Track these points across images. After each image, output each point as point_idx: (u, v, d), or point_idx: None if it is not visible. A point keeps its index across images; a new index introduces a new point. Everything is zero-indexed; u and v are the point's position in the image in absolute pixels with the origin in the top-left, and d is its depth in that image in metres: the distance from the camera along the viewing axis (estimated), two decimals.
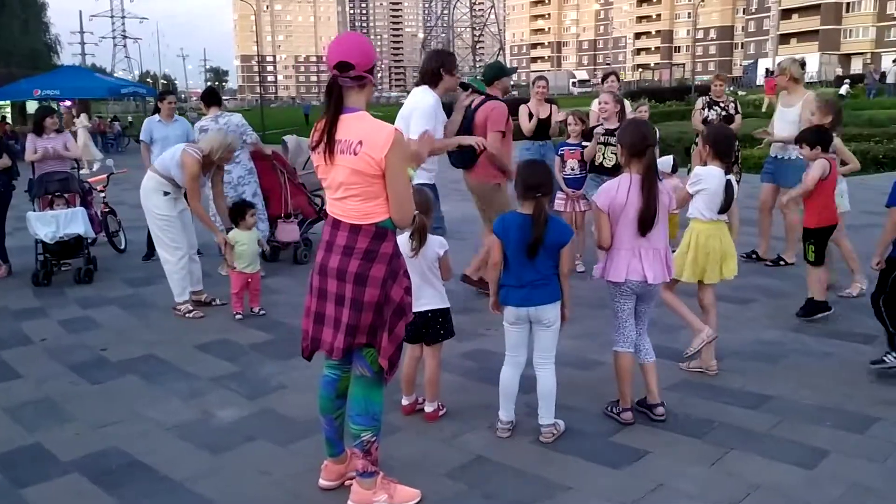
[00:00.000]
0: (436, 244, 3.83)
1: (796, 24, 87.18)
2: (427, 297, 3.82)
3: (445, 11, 58.30)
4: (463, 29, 67.70)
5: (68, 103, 25.75)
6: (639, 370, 3.85)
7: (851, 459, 3.35)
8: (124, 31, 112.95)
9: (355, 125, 2.92)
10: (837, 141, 5.93)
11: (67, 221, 7.30)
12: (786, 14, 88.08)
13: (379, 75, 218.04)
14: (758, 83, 62.14)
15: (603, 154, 6.72)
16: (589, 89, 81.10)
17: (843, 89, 30.86)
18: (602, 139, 6.68)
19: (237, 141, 6.19)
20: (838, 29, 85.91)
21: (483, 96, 6.04)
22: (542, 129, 8.09)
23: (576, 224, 7.03)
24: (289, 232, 7.53)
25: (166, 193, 5.99)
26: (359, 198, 2.94)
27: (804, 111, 6.92)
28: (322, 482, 3.32)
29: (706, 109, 9.19)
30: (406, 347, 3.70)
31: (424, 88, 5.36)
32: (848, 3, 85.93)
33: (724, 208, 4.32)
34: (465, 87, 5.77)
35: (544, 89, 8.61)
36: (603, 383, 4.30)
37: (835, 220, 5.26)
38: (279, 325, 5.78)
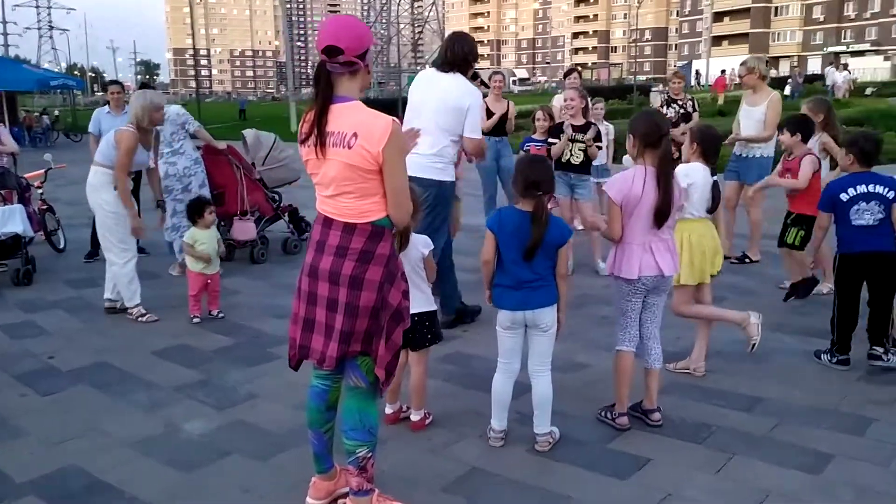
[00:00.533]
0: (420, 243, 3.63)
1: (727, 26, 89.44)
2: (413, 299, 3.60)
3: (385, 7, 57.96)
4: (404, 25, 67.44)
5: None
6: (638, 372, 3.73)
7: (856, 463, 3.28)
8: (50, 21, 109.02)
9: (349, 116, 2.69)
10: (828, 140, 5.94)
11: (4, 220, 6.82)
12: (718, 17, 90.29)
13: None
14: (691, 84, 63.59)
15: (570, 151, 6.60)
16: (530, 87, 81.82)
17: (787, 89, 31.65)
18: (571, 136, 6.56)
19: (159, 96, 5.84)
20: (767, 32, 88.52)
21: None
22: (499, 124, 7.97)
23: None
24: (245, 230, 7.21)
25: (116, 187, 5.61)
26: (353, 195, 2.72)
27: (770, 111, 6.95)
28: (310, 501, 3.08)
29: (664, 107, 9.19)
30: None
31: (459, 76, 4.97)
32: (776, 8, 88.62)
33: (713, 209, 4.24)
34: (474, 77, 5.55)
35: (501, 83, 8.48)
36: (591, 386, 4.17)
37: None
38: (241, 329, 5.48)
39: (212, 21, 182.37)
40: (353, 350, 2.78)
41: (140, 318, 5.67)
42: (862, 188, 4.32)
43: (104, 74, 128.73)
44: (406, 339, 3.59)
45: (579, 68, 9.22)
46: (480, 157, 5.30)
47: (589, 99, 7.77)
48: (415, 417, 3.76)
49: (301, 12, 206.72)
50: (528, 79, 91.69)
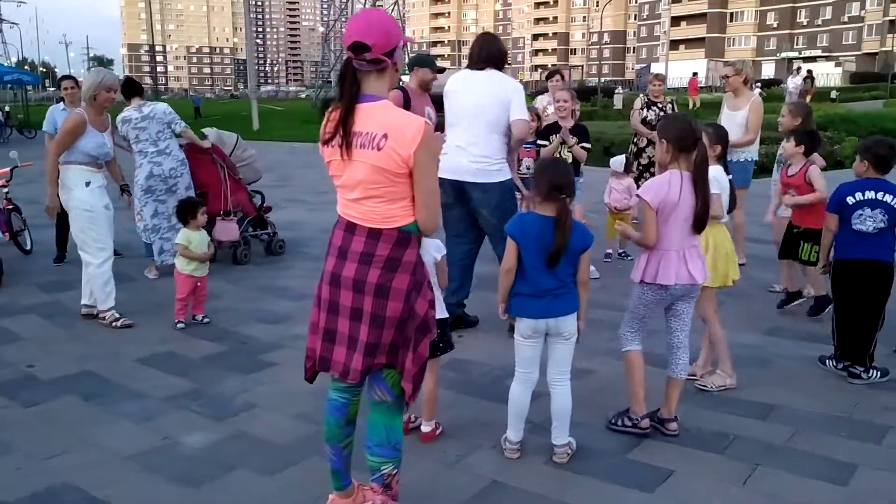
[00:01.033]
0: (432, 247, 3.50)
1: (684, 31, 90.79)
2: None
3: (346, 6, 57.29)
4: None
5: None
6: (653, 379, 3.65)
7: (881, 473, 3.24)
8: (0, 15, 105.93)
9: (378, 116, 2.55)
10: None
11: None
12: (675, 21, 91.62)
13: (275, 69, 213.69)
14: (646, 87, 64.40)
15: (560, 153, 6.52)
16: None
17: (756, 91, 32.19)
18: (571, 142, 6.46)
19: (114, 77, 5.54)
20: (723, 37, 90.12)
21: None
22: None
23: None
24: (228, 230, 6.99)
25: (88, 184, 5.35)
26: (380, 199, 2.58)
27: (752, 115, 6.96)
28: None
29: (645, 110, 9.20)
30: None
31: (497, 72, 5.06)
32: (732, 14, 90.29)
33: (730, 209, 4.21)
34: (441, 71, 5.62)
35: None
36: (600, 393, 4.09)
37: None
38: (228, 335, 5.29)
39: (168, 16, 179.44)
40: (378, 362, 2.65)
41: (114, 323, 5.42)
42: (870, 194, 4.28)
43: (56, 69, 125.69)
44: None
45: (562, 70, 9.15)
46: (524, 138, 5.35)
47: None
48: (426, 428, 3.63)
49: (259, 10, 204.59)
50: None
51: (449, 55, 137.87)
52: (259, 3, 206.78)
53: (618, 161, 7.47)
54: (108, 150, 5.53)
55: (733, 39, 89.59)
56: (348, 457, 2.92)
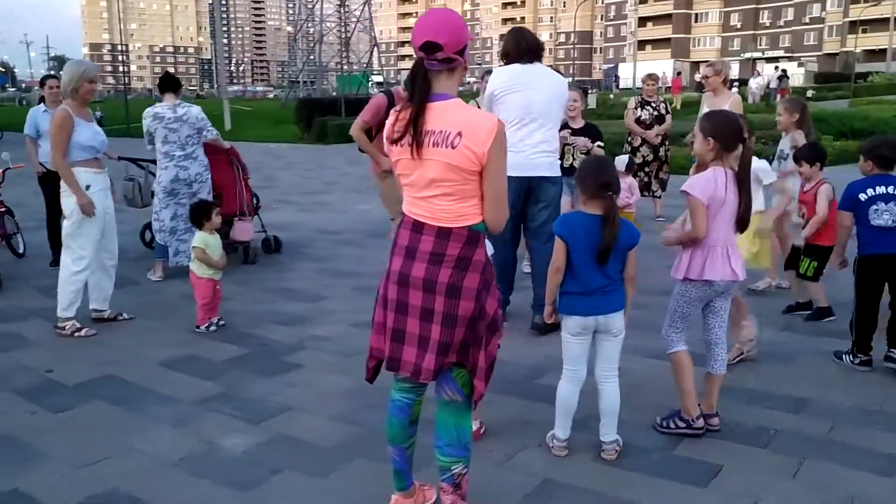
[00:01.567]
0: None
1: (650, 31, 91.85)
2: None
3: (314, 5, 57.07)
4: (334, 24, 66.75)
5: None
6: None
7: None
8: None
9: (451, 114, 2.55)
10: (799, 135, 6.04)
11: None
12: (641, 22, 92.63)
13: (241, 68, 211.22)
14: (612, 87, 65.20)
15: (572, 155, 6.56)
16: (462, 87, 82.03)
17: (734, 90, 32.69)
18: (570, 140, 6.51)
19: (96, 70, 5.39)
20: (688, 38, 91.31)
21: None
22: None
23: None
24: (246, 231, 6.96)
25: (88, 187, 5.21)
26: (452, 197, 2.58)
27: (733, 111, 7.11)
28: None
29: (639, 109, 9.31)
30: None
31: (543, 66, 5.27)
32: (696, 14, 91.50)
33: None
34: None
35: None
36: (635, 391, 4.11)
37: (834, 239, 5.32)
38: (247, 338, 5.24)
39: (130, 15, 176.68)
40: (449, 361, 2.65)
41: (76, 333, 5.26)
42: (881, 189, 4.39)
43: (15, 69, 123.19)
44: None
45: (560, 71, 9.20)
46: None
47: None
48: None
49: (224, 8, 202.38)
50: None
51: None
52: (224, 3, 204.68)
53: (621, 160, 7.53)
54: (104, 138, 5.42)
55: (698, 40, 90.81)
56: (411, 457, 2.92)
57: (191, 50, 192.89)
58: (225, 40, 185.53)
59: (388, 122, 2.67)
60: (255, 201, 7.64)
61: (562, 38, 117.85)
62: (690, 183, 3.50)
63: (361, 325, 5.48)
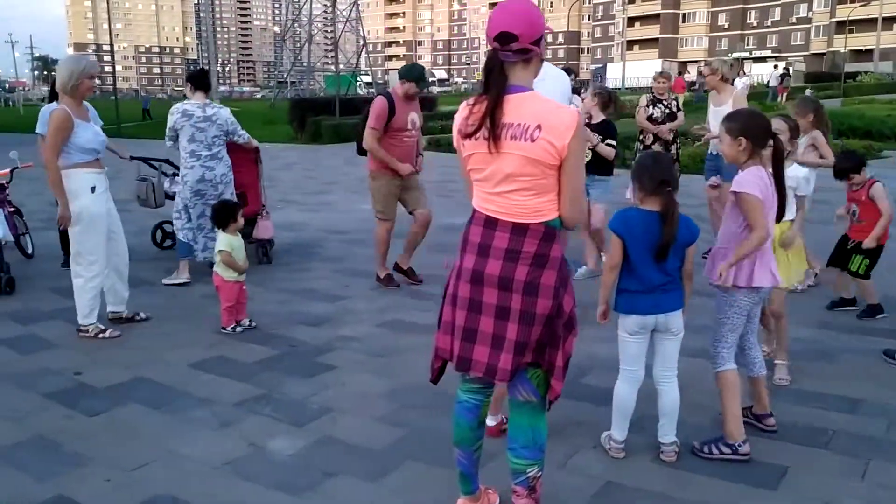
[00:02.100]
0: None
1: (638, 31, 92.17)
2: None
3: (297, 6, 57.03)
4: (322, 24, 66.66)
5: None
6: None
7: None
8: None
9: (529, 106, 2.48)
10: (818, 135, 6.01)
11: None
12: (629, 22, 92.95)
13: (227, 69, 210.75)
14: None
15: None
16: (448, 88, 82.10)
17: (745, 80, 32.55)
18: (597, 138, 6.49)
19: (95, 65, 5.23)
20: (676, 38, 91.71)
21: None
22: None
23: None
24: (268, 229, 6.88)
25: (93, 189, 5.07)
26: (530, 191, 2.51)
27: (736, 105, 7.13)
28: None
29: (650, 107, 9.27)
30: None
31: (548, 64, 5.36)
32: (684, 14, 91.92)
33: None
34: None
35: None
36: (682, 392, 4.05)
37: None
38: (273, 338, 5.16)
39: (115, 15, 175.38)
40: (524, 361, 2.59)
41: (100, 335, 5.16)
42: None
43: None
44: None
45: (573, 68, 9.17)
46: None
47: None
48: (490, 423, 3.54)
49: (209, 8, 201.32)
50: (447, 80, 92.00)
51: (404, 55, 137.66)
52: (210, 3, 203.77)
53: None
54: (104, 138, 5.29)
55: (686, 40, 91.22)
56: (478, 460, 2.86)
57: (176, 50, 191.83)
58: (209, 38, 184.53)
59: (461, 115, 2.60)
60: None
61: (549, 38, 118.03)
62: (743, 183, 3.32)
63: (387, 326, 5.42)
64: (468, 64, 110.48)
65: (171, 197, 7.13)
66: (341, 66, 47.79)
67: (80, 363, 4.69)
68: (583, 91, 8.94)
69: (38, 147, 7.22)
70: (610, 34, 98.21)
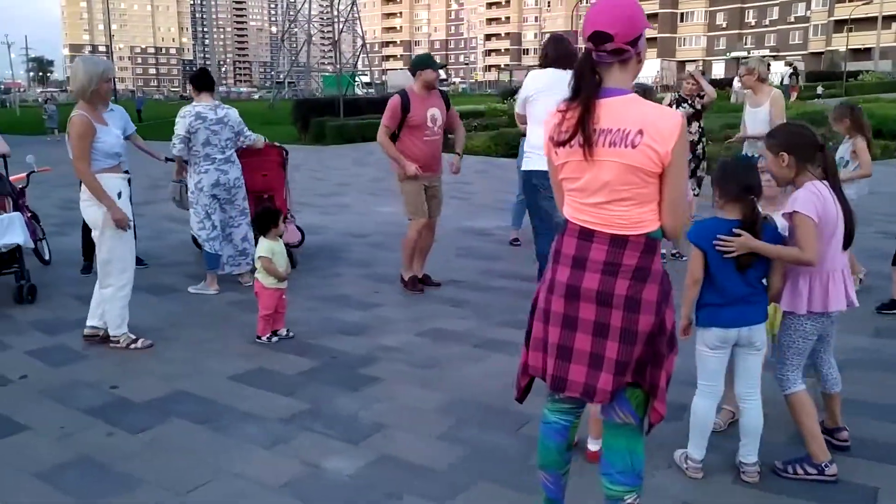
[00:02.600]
0: None
1: None
2: None
3: (293, 7, 56.96)
4: (320, 25, 66.47)
5: None
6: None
7: None
8: None
9: (629, 110, 2.31)
10: (860, 141, 5.89)
11: (4, 229, 6.07)
12: None
13: (223, 69, 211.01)
14: None
15: None
16: (446, 88, 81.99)
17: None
18: None
19: (109, 65, 5.04)
20: (674, 37, 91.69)
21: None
22: None
23: None
24: (295, 234, 6.71)
25: (119, 195, 4.89)
26: (630, 201, 2.34)
27: (774, 108, 7.00)
28: None
29: (674, 106, 9.14)
30: None
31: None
32: (682, 14, 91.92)
33: None
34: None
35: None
36: None
37: None
38: (312, 348, 4.99)
39: (111, 16, 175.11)
40: (625, 381, 2.43)
41: (132, 346, 4.98)
42: None
43: None
44: None
45: None
46: None
47: None
48: (593, 447, 3.40)
49: (204, 10, 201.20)
50: (445, 80, 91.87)
51: (401, 56, 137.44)
52: (204, 4, 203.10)
53: None
54: (122, 141, 5.16)
55: (684, 39, 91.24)
56: (566, 484, 2.70)
57: (172, 51, 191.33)
58: (208, 41, 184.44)
59: (553, 122, 2.44)
60: None
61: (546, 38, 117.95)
62: (799, 203, 3.08)
63: (427, 335, 5.26)
64: (466, 64, 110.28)
65: None
66: (338, 67, 47.59)
67: (115, 375, 4.53)
68: None
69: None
70: None
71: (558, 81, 5.13)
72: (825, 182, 3.16)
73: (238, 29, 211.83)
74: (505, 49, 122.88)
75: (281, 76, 73.30)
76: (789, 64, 9.02)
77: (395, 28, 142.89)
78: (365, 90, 57.23)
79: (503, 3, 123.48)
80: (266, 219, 5.08)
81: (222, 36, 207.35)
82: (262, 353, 4.90)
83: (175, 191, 6.90)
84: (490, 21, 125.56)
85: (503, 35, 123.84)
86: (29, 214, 7.31)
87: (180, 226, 9.34)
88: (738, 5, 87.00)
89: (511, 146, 18.81)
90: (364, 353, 4.89)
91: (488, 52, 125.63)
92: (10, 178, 7.28)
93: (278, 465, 3.43)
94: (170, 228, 9.25)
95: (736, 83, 35.08)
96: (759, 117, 7.05)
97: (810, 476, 3.20)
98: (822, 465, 3.20)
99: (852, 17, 67.30)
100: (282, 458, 3.51)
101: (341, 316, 5.70)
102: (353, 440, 3.67)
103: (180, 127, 6.24)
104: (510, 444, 3.63)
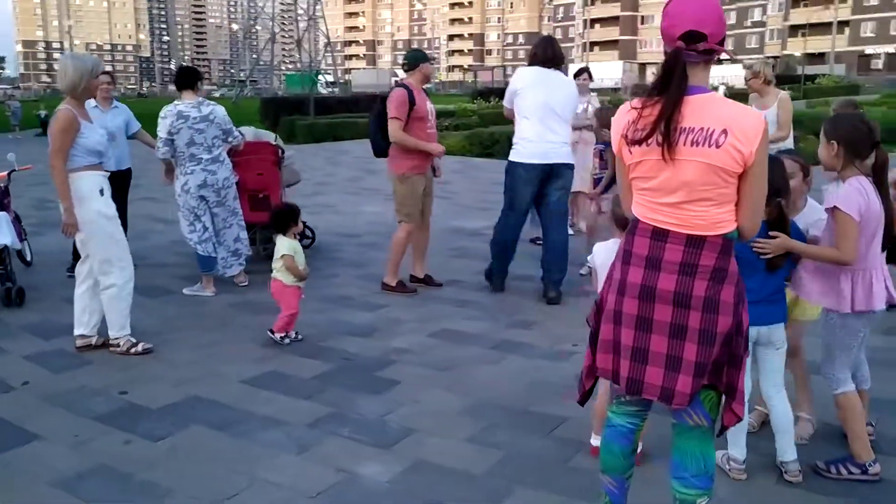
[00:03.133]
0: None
1: (598, 33, 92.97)
2: None
3: (254, 6, 56.36)
4: (285, 22, 65.84)
5: None
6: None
7: None
8: None
9: (713, 109, 2.27)
10: None
11: None
12: (590, 23, 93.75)
13: (206, 71, 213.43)
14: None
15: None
16: (429, 86, 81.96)
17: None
18: (604, 133, 6.49)
19: (98, 61, 4.90)
20: (635, 40, 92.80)
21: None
22: None
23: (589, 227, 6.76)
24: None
25: (102, 192, 4.74)
26: (710, 202, 2.30)
27: (782, 111, 7.03)
28: None
29: None
30: (602, 381, 3.05)
31: (560, 73, 5.95)
32: (643, 17, 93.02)
33: None
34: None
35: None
36: None
37: None
38: (325, 350, 4.88)
39: (65, 12, 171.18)
40: (702, 383, 2.38)
41: (132, 350, 4.79)
42: None
43: None
44: None
45: (589, 68, 8.95)
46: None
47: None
48: (595, 443, 3.36)
49: (162, 6, 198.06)
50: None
51: (364, 55, 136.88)
52: (161, 0, 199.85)
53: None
54: (107, 140, 4.97)
55: (645, 42, 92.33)
56: (629, 489, 2.64)
57: (129, 48, 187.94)
58: (166, 37, 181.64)
59: (627, 120, 2.38)
60: None
61: (509, 39, 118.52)
62: (840, 199, 3.05)
63: (439, 336, 5.18)
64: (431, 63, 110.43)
65: None
66: (302, 65, 47.23)
67: (121, 381, 4.36)
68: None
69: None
70: (570, 35, 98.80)
71: (545, 79, 5.79)
72: (870, 179, 3.15)
73: (196, 26, 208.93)
74: (468, 49, 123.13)
75: (242, 74, 72.46)
76: (748, 67, 9.21)
77: (357, 27, 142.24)
78: (329, 89, 56.89)
79: (466, 4, 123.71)
80: (284, 217, 4.96)
81: (181, 33, 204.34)
82: (273, 356, 4.77)
83: None
84: (453, 21, 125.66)
85: (466, 35, 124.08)
86: (13, 214, 7.07)
87: (163, 225, 9.15)
88: None
89: (485, 146, 18.81)
90: (378, 356, 4.79)
91: (451, 53, 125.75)
92: None
93: (312, 473, 3.32)
94: (152, 228, 9.02)
95: (722, 88, 35.48)
96: (767, 119, 7.05)
97: (853, 476, 3.19)
98: (866, 465, 3.19)
99: (808, 22, 68.87)
100: (313, 464, 3.40)
101: (348, 317, 5.59)
102: (383, 445, 3.58)
103: (162, 128, 5.97)
104: (544, 446, 3.57)
